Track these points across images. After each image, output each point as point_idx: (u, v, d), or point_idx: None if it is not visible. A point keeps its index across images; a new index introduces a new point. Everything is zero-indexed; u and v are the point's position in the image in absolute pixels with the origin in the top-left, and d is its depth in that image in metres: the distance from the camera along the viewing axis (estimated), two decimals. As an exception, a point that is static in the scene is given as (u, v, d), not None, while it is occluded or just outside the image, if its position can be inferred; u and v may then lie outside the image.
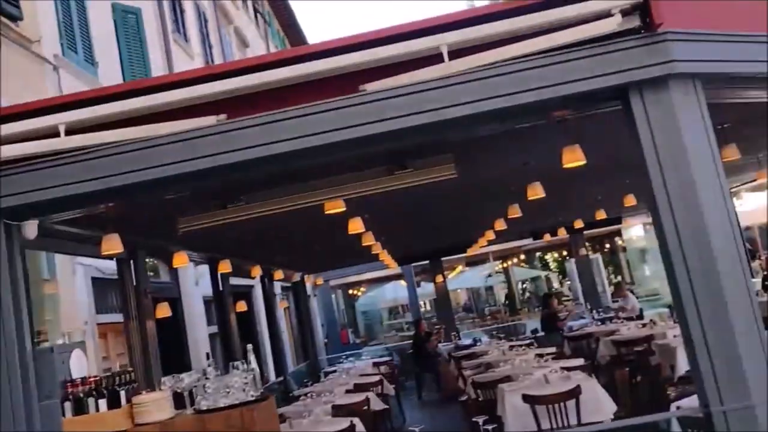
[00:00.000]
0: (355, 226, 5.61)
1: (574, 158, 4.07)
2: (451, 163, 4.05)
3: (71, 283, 7.87)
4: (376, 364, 12.37)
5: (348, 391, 8.95)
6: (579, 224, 12.74)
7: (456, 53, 3.15)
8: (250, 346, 4.94)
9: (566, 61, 3.07)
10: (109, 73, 9.05)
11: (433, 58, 3.17)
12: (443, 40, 3.10)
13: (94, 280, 9.03)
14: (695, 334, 3.00)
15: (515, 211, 7.21)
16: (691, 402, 4.09)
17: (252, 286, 14.31)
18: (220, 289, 9.55)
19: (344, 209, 4.75)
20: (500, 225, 9.00)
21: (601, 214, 11.06)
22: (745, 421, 2.91)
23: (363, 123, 3.19)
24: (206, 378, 4.67)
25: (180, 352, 10.13)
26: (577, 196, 8.38)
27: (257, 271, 10.08)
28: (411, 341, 14.92)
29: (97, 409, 4.64)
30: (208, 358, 9.78)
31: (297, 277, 12.51)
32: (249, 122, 3.29)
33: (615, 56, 3.05)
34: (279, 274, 11.32)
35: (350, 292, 25.41)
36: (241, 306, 10.75)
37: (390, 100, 3.17)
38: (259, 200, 4.76)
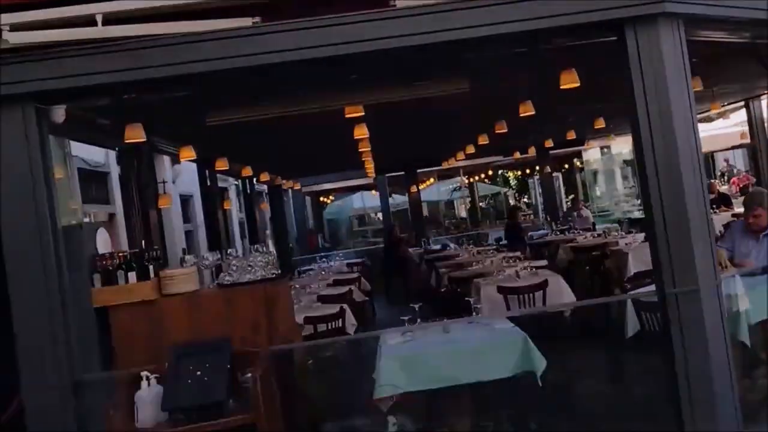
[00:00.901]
0: (361, 131, 6.09)
1: (569, 80, 4.65)
2: (464, 78, 4.51)
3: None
4: (349, 265, 13.06)
5: (329, 285, 9.67)
6: (549, 143, 13.42)
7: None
8: (268, 232, 5.52)
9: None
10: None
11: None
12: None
13: (80, 171, 9.43)
14: (658, 228, 3.64)
15: (502, 127, 7.74)
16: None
17: (226, 189, 14.70)
18: (209, 185, 9.95)
19: (362, 113, 5.17)
20: (483, 140, 9.45)
21: (571, 135, 11.72)
22: (691, 303, 3.53)
23: (392, 36, 3.49)
24: (230, 257, 5.26)
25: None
26: (557, 115, 8.91)
27: (248, 172, 10.50)
28: (381, 247, 15.70)
29: (126, 281, 4.91)
30: (184, 253, 10.32)
31: (279, 180, 12.98)
32: (284, 27, 3.47)
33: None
34: (264, 176, 11.78)
35: (321, 199, 25.88)
36: (228, 204, 11.23)
37: (419, 17, 3.49)
38: (279, 102, 5.13)
